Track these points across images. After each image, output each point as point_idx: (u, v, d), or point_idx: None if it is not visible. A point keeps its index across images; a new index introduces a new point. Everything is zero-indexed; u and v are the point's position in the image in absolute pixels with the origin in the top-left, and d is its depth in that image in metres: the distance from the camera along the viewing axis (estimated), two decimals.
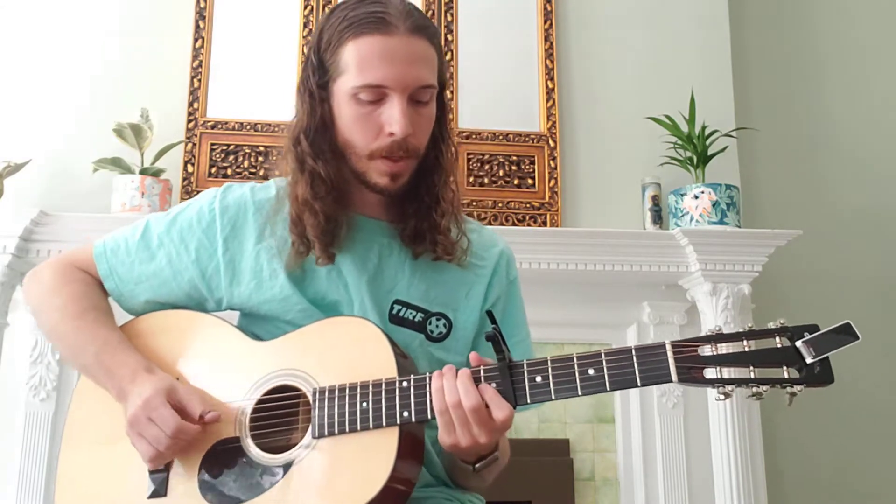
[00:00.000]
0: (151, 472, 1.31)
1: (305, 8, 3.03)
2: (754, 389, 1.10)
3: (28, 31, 3.03)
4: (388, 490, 1.18)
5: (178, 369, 1.37)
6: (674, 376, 1.12)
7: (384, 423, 1.21)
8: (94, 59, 3.03)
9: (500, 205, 3.07)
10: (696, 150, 3.02)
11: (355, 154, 1.34)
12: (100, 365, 1.35)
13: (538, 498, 2.86)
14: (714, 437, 2.90)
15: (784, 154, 3.60)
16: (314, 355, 1.32)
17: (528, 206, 3.08)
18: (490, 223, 2.97)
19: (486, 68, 3.19)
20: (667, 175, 3.12)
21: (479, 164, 3.10)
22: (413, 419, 1.21)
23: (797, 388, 1.09)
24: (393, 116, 1.30)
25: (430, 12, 3.16)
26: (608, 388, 1.16)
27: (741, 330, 1.13)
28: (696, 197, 2.94)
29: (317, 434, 1.25)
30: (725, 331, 1.13)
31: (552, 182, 3.10)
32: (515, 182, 3.10)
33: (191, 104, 3.00)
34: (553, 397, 1.18)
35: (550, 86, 3.17)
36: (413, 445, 1.24)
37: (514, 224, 3.03)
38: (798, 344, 1.10)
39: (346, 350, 1.30)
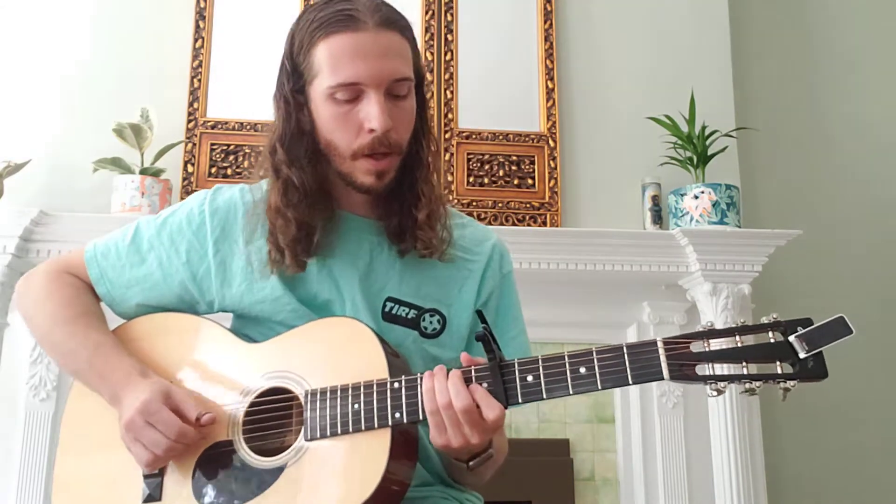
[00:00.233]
0: (146, 477, 1.30)
1: None
2: (747, 385, 1.09)
3: (28, 31, 3.04)
4: (382, 491, 1.18)
5: (171, 373, 1.36)
6: (665, 374, 1.11)
7: (376, 425, 1.21)
8: (95, 59, 3.04)
9: (500, 205, 3.07)
10: (696, 150, 3.02)
11: (339, 156, 1.33)
12: (93, 369, 1.35)
13: (538, 498, 2.86)
14: (714, 437, 2.90)
15: (784, 154, 3.59)
16: (306, 357, 1.31)
17: (528, 206, 3.07)
18: (490, 223, 2.96)
19: (486, 68, 3.19)
20: (667, 175, 3.11)
21: (478, 164, 3.10)
22: (405, 420, 1.21)
23: (790, 383, 1.08)
24: (371, 113, 1.29)
25: (430, 12, 3.16)
26: (600, 387, 1.15)
27: (734, 325, 1.12)
28: (696, 197, 2.94)
29: (309, 437, 1.24)
30: (717, 326, 1.12)
31: (552, 182, 3.10)
32: (515, 182, 3.10)
33: (191, 104, 3.00)
34: (544, 396, 1.17)
35: (550, 86, 3.17)
36: (406, 445, 1.24)
37: (514, 224, 3.03)
38: (791, 339, 1.08)
39: (337, 351, 1.29)
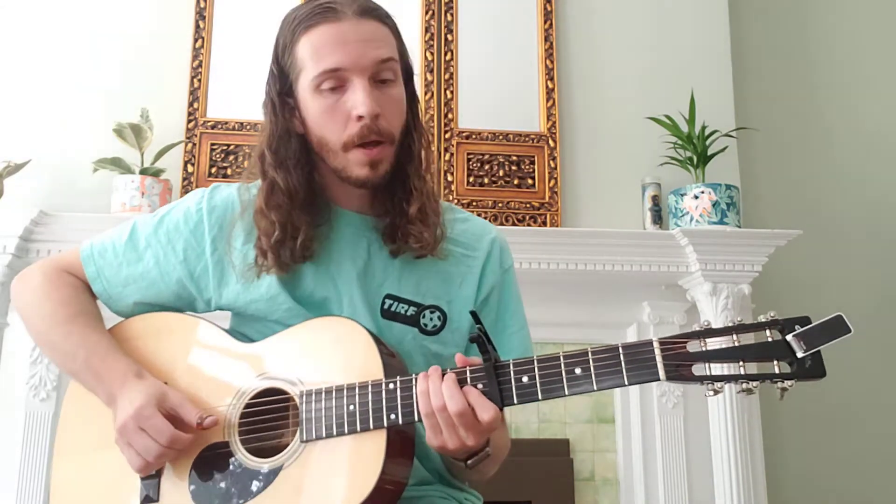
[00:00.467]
0: (143, 478, 1.30)
1: None
2: (744, 385, 1.08)
3: (28, 31, 3.04)
4: (379, 491, 1.18)
5: (167, 372, 1.36)
6: (661, 374, 1.11)
7: (371, 426, 1.21)
8: (95, 59, 3.04)
9: (500, 205, 3.07)
10: (696, 150, 3.02)
11: (331, 151, 1.33)
12: (89, 370, 1.35)
13: (538, 498, 2.86)
14: (714, 437, 2.89)
15: (784, 154, 3.59)
16: (301, 357, 1.31)
17: (528, 206, 3.07)
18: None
19: (486, 68, 3.19)
20: (667, 175, 3.11)
21: (479, 164, 3.10)
22: (400, 421, 1.20)
23: (788, 382, 1.07)
24: (357, 99, 1.29)
25: (430, 12, 3.16)
26: (595, 388, 1.14)
27: (731, 324, 1.11)
28: (696, 197, 2.94)
29: (304, 438, 1.24)
30: (714, 325, 1.11)
31: (552, 182, 3.10)
32: (515, 182, 3.10)
33: (191, 104, 3.00)
34: (540, 398, 1.16)
35: (550, 86, 3.17)
36: (402, 446, 1.24)
37: (514, 224, 3.03)
38: (788, 338, 1.08)
39: (332, 351, 1.29)
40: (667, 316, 3.03)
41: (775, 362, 1.08)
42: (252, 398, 1.30)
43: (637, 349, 1.14)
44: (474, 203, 3.04)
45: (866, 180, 3.61)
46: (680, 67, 3.28)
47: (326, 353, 1.30)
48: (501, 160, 3.11)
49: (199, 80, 3.02)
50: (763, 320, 1.10)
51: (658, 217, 3.07)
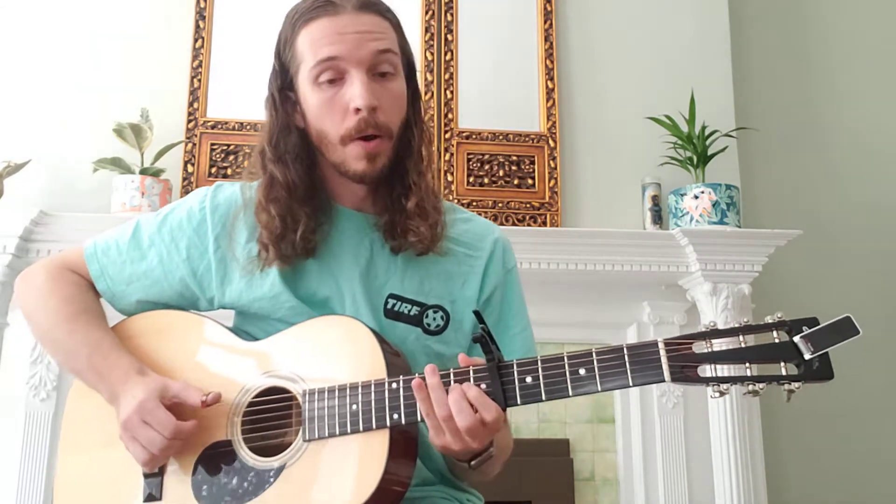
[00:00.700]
0: (146, 476, 1.30)
1: None
2: (750, 387, 1.07)
3: (28, 31, 3.03)
4: (382, 491, 1.18)
5: (170, 370, 1.36)
6: (666, 376, 1.10)
7: (374, 426, 1.21)
8: (95, 59, 3.03)
9: (500, 205, 3.07)
10: (696, 150, 3.02)
11: (330, 144, 1.34)
12: (92, 368, 1.35)
13: (538, 498, 2.86)
14: (714, 437, 2.89)
15: (784, 154, 3.59)
16: (304, 356, 1.31)
17: (528, 206, 3.07)
18: None
19: (486, 68, 3.19)
20: (667, 175, 3.11)
21: (479, 164, 3.09)
22: (403, 421, 1.20)
23: (795, 384, 1.06)
24: (354, 91, 1.29)
25: (430, 12, 3.16)
26: (600, 389, 1.14)
27: (737, 325, 1.10)
28: (696, 197, 2.94)
29: (307, 437, 1.24)
30: (720, 326, 1.10)
31: (552, 182, 3.10)
32: (515, 182, 3.10)
33: (191, 104, 3.00)
34: (544, 398, 1.16)
35: (550, 86, 3.17)
36: (405, 446, 1.24)
37: (514, 224, 3.03)
38: (796, 339, 1.07)
39: (336, 350, 1.29)
40: (667, 316, 3.03)
41: (782, 364, 1.07)
42: (255, 397, 1.30)
43: (642, 350, 1.13)
44: (474, 203, 3.04)
45: (866, 180, 3.62)
46: (680, 67, 3.28)
47: (330, 351, 1.30)
48: (501, 160, 3.11)
49: (199, 80, 3.02)
50: (770, 321, 1.09)
51: (658, 217, 3.07)
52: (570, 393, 1.15)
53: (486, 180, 3.09)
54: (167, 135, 2.90)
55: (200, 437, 1.29)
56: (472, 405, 1.16)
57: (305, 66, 1.32)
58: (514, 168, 3.11)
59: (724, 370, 1.09)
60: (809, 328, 1.07)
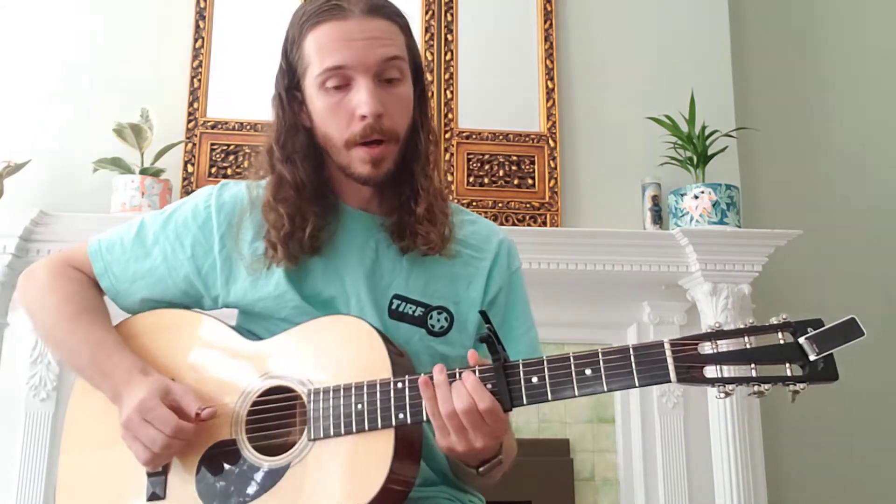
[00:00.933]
0: (150, 475, 1.30)
1: None
2: (756, 388, 1.07)
3: (28, 31, 3.03)
4: (386, 491, 1.18)
5: (173, 370, 1.36)
6: (672, 376, 1.10)
7: (380, 425, 1.21)
8: (95, 59, 3.03)
9: (500, 205, 3.07)
10: (696, 150, 3.02)
11: (335, 147, 1.34)
12: (95, 367, 1.35)
13: (538, 498, 2.85)
14: (714, 437, 2.90)
15: (784, 154, 3.59)
16: (309, 355, 1.31)
17: (528, 206, 3.07)
18: None
19: (486, 68, 3.18)
20: (667, 175, 3.11)
21: (479, 164, 3.10)
22: (408, 421, 1.20)
23: (800, 385, 1.06)
24: (360, 98, 1.29)
25: (430, 12, 3.16)
26: (606, 389, 1.14)
27: (742, 326, 1.10)
28: (696, 197, 2.94)
29: (312, 436, 1.24)
30: (725, 327, 1.10)
31: (552, 182, 3.10)
32: (515, 182, 3.10)
33: (191, 104, 3.00)
34: (550, 398, 1.16)
35: (550, 86, 3.17)
36: (410, 445, 1.24)
37: (514, 224, 3.03)
38: (801, 340, 1.07)
39: (340, 349, 1.29)
40: (667, 316, 3.04)
41: (787, 365, 1.07)
42: (259, 396, 1.30)
43: (648, 350, 1.13)
44: (474, 203, 3.04)
45: (866, 180, 3.62)
46: (680, 67, 3.28)
47: (334, 351, 1.30)
48: (501, 160, 3.11)
49: (199, 80, 3.02)
50: (775, 322, 1.09)
51: (658, 217, 3.07)
52: (577, 393, 1.15)
53: (486, 180, 3.09)
54: (167, 135, 2.90)
55: (204, 437, 1.29)
56: (469, 394, 1.16)
57: (312, 70, 1.32)
58: (514, 168, 3.11)
59: (729, 371, 1.09)
60: (814, 329, 1.07)
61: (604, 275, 2.94)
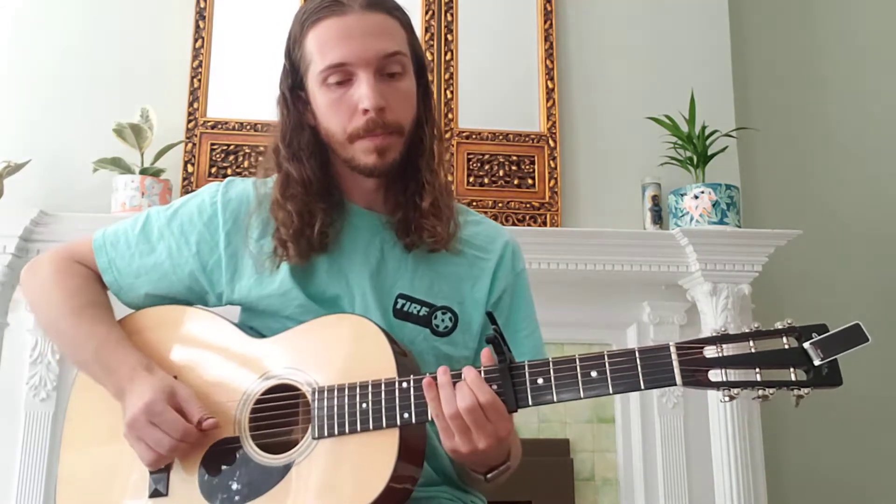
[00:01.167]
0: (152, 472, 1.30)
1: None
2: (760, 392, 1.08)
3: (28, 31, 3.03)
4: (390, 491, 1.18)
5: (177, 367, 1.36)
6: (678, 380, 1.11)
7: (384, 425, 1.21)
8: (95, 59, 3.03)
9: (500, 205, 3.07)
10: (696, 150, 3.02)
11: (338, 143, 1.34)
12: (98, 362, 1.34)
13: (538, 498, 2.85)
14: (714, 437, 2.90)
15: (784, 154, 3.60)
16: (313, 353, 1.31)
17: (528, 206, 3.07)
18: None
19: (485, 68, 3.18)
20: (667, 175, 3.11)
21: (479, 164, 3.09)
22: (413, 421, 1.20)
23: (804, 390, 1.07)
24: (362, 93, 1.30)
25: (430, 12, 3.16)
26: (611, 391, 1.14)
27: (748, 330, 1.10)
28: (696, 197, 2.94)
29: (316, 435, 1.24)
30: (730, 331, 1.10)
31: (552, 182, 3.10)
32: (515, 182, 3.10)
33: (191, 104, 2.99)
34: (555, 399, 1.16)
35: (550, 86, 3.17)
36: (414, 446, 1.24)
37: (514, 224, 3.03)
38: (806, 345, 1.07)
39: (345, 348, 1.29)
40: (667, 316, 3.04)
41: (791, 369, 1.07)
42: (263, 394, 1.30)
43: (654, 354, 1.14)
44: (474, 203, 3.03)
45: (866, 180, 3.62)
46: (680, 67, 3.28)
47: (339, 350, 1.30)
48: (501, 160, 3.11)
49: (199, 80, 3.01)
50: (780, 327, 1.09)
51: (658, 217, 3.07)
52: (582, 395, 1.15)
53: (486, 180, 3.09)
54: (167, 135, 2.89)
55: (208, 434, 1.29)
56: (471, 389, 1.16)
57: (314, 67, 1.32)
58: (514, 168, 3.11)
59: (734, 375, 1.10)
60: (819, 335, 1.07)
61: (604, 275, 2.94)
